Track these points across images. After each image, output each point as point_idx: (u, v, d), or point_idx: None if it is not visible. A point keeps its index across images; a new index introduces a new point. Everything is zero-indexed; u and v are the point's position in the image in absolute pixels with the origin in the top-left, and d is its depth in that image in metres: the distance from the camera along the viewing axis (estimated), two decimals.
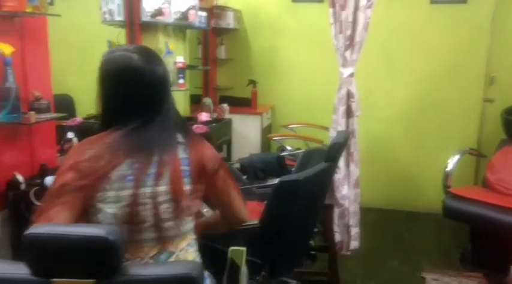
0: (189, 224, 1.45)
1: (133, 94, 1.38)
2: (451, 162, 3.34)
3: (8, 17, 2.01)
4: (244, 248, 1.52)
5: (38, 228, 1.05)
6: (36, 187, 1.99)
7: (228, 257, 1.52)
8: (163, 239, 1.38)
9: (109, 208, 1.30)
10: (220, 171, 1.53)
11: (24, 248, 1.02)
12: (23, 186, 2.01)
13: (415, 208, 4.28)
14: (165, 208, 1.36)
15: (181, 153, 1.41)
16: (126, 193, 1.30)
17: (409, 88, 4.29)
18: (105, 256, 1.05)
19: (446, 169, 3.31)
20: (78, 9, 3.43)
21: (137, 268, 1.19)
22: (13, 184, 2.01)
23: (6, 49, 1.93)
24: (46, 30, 2.24)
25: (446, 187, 3.26)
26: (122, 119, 1.36)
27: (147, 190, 1.33)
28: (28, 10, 1.96)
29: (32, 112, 2.02)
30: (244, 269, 1.53)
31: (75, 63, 3.49)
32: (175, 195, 1.37)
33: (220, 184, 1.54)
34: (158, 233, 1.37)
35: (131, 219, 1.32)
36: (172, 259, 1.40)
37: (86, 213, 1.31)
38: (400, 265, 3.30)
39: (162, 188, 1.35)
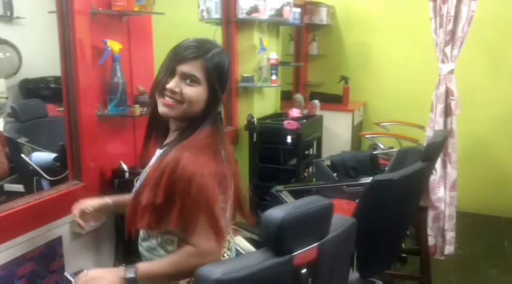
0: None
1: None
2: None
3: (117, 16, 2.14)
4: None
5: (278, 211, 1.15)
6: (139, 177, 2.11)
7: None
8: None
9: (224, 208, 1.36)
10: None
11: (268, 235, 1.15)
12: (127, 175, 2.15)
13: None
14: None
15: None
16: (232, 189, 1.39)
17: None
18: (330, 219, 1.27)
19: None
20: (177, 7, 3.58)
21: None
22: (118, 172, 2.15)
23: (115, 46, 2.07)
24: (151, 28, 2.37)
25: None
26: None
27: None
28: (136, 9, 2.08)
29: (137, 106, 2.14)
30: None
31: None
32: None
33: None
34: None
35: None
36: (232, 245, 1.50)
37: None
38: (499, 274, 3.10)
39: None
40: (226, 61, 1.36)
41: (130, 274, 1.26)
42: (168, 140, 1.43)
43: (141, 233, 1.44)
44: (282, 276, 1.17)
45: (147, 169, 1.42)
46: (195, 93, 1.31)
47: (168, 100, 1.32)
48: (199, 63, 1.30)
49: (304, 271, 1.21)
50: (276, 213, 1.14)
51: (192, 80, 1.31)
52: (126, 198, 1.55)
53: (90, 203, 1.56)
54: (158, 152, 1.44)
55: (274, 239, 1.15)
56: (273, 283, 1.17)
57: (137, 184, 1.42)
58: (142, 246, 1.44)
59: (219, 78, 1.34)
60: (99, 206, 1.56)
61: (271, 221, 1.13)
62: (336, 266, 1.37)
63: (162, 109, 1.34)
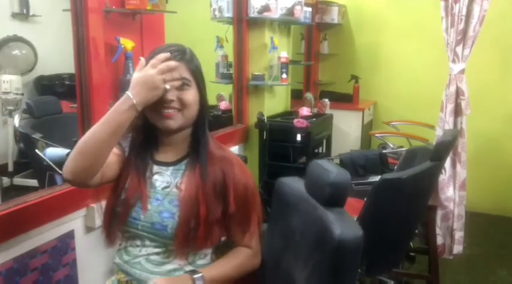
0: None
1: None
2: None
3: (130, 14, 2.18)
4: None
5: (346, 176, 1.33)
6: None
7: None
8: None
9: None
10: None
11: (341, 196, 1.33)
12: None
13: None
14: None
15: None
16: None
17: None
18: None
19: None
20: (189, 6, 3.62)
21: None
22: None
23: (128, 44, 2.10)
24: (163, 26, 2.40)
25: None
26: None
27: None
28: (148, 8, 2.12)
29: None
30: None
31: None
32: None
33: None
34: None
35: None
36: None
37: None
38: (509, 275, 3.09)
39: None
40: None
41: (200, 282, 1.26)
42: (175, 154, 1.36)
43: (152, 258, 1.33)
44: None
45: (168, 189, 1.32)
46: (191, 95, 1.28)
47: (167, 111, 1.26)
48: (184, 65, 1.27)
49: None
50: (345, 179, 1.33)
51: (184, 83, 1.27)
52: None
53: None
54: (170, 169, 1.35)
55: (345, 198, 1.34)
56: None
57: (168, 207, 1.30)
58: (157, 273, 1.32)
59: (202, 76, 1.32)
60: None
61: (344, 186, 1.32)
62: None
63: (165, 123, 1.28)
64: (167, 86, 1.20)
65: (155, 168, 1.35)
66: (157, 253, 1.32)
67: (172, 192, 1.32)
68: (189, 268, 1.33)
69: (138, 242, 1.34)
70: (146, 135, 1.36)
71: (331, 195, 1.34)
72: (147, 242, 1.33)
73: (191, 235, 1.27)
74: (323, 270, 1.32)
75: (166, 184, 1.33)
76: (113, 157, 1.33)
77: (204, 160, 1.32)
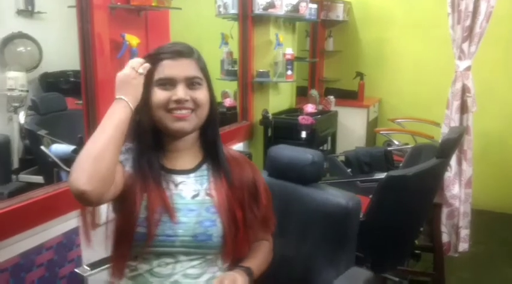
0: None
1: None
2: None
3: (135, 11, 2.18)
4: None
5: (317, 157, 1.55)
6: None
7: None
8: None
9: None
10: None
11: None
12: None
13: None
14: None
15: None
16: None
17: None
18: None
19: None
20: (194, 2, 3.62)
21: None
22: None
23: (133, 40, 2.10)
24: (168, 23, 2.40)
25: None
26: None
27: None
28: (153, 4, 2.12)
29: None
30: None
31: None
32: None
33: None
34: None
35: None
36: None
37: None
38: None
39: None
40: None
41: (251, 277, 1.27)
42: (191, 160, 1.28)
43: (189, 272, 1.23)
44: None
45: (199, 198, 1.24)
46: (204, 95, 1.22)
47: (179, 112, 1.19)
48: (194, 63, 1.21)
49: None
50: (321, 156, 1.52)
51: (195, 82, 1.21)
52: None
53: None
54: (191, 176, 1.26)
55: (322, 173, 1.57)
56: None
57: (207, 216, 1.23)
58: None
59: (209, 75, 1.27)
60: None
61: (322, 162, 1.53)
62: None
63: (178, 125, 1.20)
64: (140, 70, 1.15)
65: (176, 177, 1.25)
66: (193, 266, 1.23)
67: (206, 199, 1.24)
68: (219, 273, 1.27)
69: (169, 260, 1.22)
70: (153, 142, 1.25)
71: (313, 173, 1.50)
72: (182, 258, 1.22)
73: (234, 239, 1.25)
74: (329, 239, 1.45)
75: (195, 192, 1.24)
76: (117, 167, 1.17)
77: (226, 164, 1.29)
